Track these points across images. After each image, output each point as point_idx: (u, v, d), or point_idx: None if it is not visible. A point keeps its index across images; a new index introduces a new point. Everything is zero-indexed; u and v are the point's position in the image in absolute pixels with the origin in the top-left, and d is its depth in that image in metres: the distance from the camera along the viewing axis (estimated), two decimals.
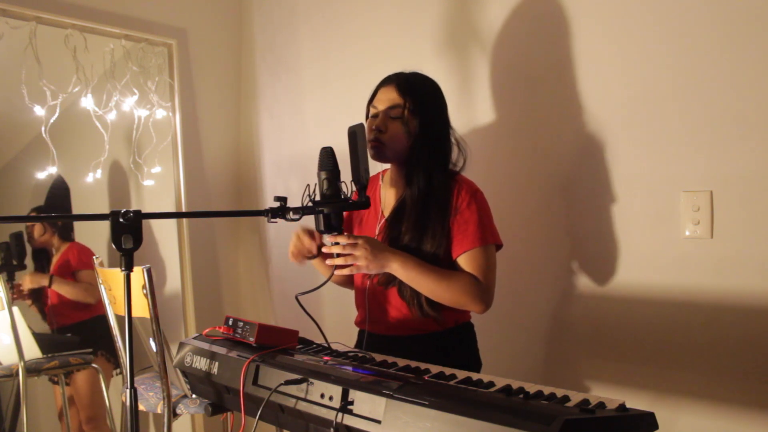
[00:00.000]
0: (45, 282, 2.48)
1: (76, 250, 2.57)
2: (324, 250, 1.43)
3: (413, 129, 1.51)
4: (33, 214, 2.54)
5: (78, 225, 2.62)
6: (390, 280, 1.51)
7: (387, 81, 1.57)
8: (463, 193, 1.50)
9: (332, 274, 1.45)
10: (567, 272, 1.77)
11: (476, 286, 1.44)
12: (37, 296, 2.50)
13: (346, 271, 1.42)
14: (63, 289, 2.49)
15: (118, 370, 2.50)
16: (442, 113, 1.58)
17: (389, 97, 1.53)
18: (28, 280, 2.49)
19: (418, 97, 1.52)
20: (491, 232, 1.50)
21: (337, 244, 1.40)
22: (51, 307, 2.50)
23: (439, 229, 1.47)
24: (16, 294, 2.45)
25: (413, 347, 1.49)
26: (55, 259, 2.55)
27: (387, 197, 1.63)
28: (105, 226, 2.61)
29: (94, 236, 2.61)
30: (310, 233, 1.54)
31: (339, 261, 1.40)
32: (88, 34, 2.33)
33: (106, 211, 1.09)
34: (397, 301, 1.53)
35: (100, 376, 2.39)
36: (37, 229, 2.54)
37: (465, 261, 1.47)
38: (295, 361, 1.22)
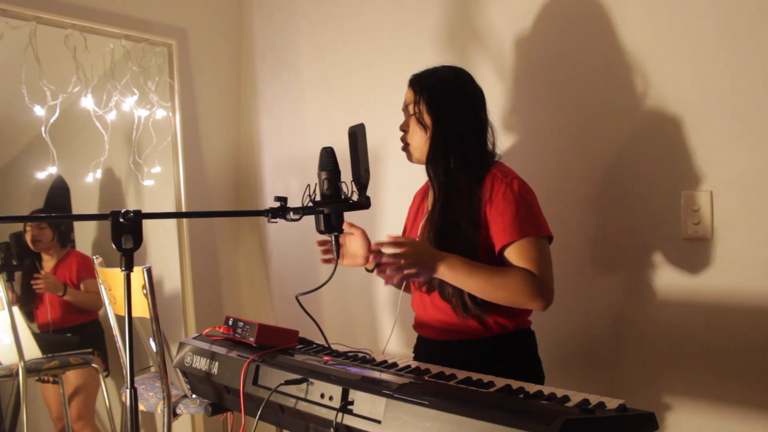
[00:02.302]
0: (60, 291, 2.48)
1: (77, 258, 2.57)
2: (371, 258, 1.37)
3: (428, 122, 1.49)
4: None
5: (77, 226, 2.62)
6: (430, 283, 1.46)
7: (409, 82, 1.56)
8: (497, 183, 1.41)
9: (332, 275, 1.44)
10: (567, 272, 1.77)
11: (532, 281, 1.34)
12: (28, 299, 2.49)
13: (396, 280, 1.35)
14: (74, 298, 2.51)
15: (105, 372, 2.50)
16: (460, 102, 1.50)
17: (407, 96, 1.55)
18: (44, 284, 2.48)
19: (427, 91, 1.50)
20: (533, 222, 1.38)
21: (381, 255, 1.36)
22: (51, 309, 2.49)
23: (466, 220, 1.41)
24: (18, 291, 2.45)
25: (464, 354, 1.43)
26: (52, 266, 2.54)
27: (432, 200, 1.58)
28: (94, 226, 2.63)
29: (92, 238, 2.61)
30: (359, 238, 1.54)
31: (388, 268, 1.33)
32: (88, 34, 2.33)
33: (105, 210, 1.09)
34: (442, 303, 1.46)
35: (100, 376, 2.39)
36: (47, 233, 2.53)
37: (513, 255, 1.37)
38: (295, 361, 1.22)
